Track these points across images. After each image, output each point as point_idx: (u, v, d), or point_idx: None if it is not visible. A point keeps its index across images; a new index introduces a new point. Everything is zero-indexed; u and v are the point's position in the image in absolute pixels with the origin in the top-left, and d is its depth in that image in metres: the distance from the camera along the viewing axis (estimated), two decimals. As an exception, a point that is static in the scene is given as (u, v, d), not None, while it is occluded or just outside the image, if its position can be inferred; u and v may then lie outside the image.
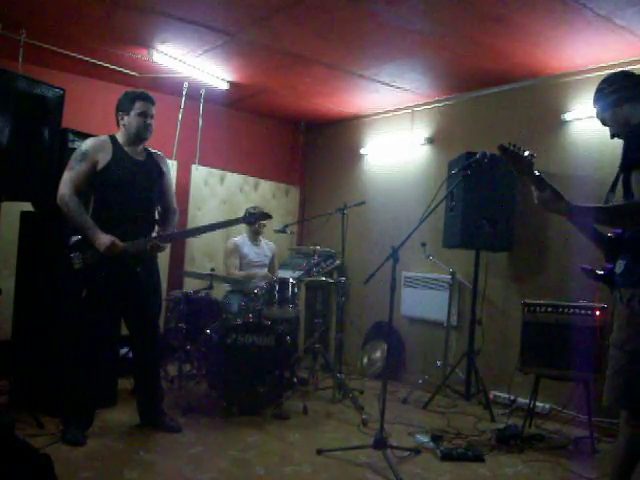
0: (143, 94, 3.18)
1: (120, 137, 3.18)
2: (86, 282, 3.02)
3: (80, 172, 3.01)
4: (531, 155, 2.18)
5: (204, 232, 3.53)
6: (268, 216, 3.45)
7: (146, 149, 3.28)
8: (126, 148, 3.16)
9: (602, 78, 2.30)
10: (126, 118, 3.14)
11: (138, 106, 3.12)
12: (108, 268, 2.99)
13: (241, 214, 5.10)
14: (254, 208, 3.51)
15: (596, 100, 2.30)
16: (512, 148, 2.17)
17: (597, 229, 2.25)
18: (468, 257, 4.55)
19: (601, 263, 2.31)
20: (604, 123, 2.30)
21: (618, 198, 2.17)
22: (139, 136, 3.16)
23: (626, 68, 3.91)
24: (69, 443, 2.90)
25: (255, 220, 3.47)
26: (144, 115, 3.13)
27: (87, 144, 3.08)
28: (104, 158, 3.05)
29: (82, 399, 3.08)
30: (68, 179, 3.00)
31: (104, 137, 3.16)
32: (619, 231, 2.20)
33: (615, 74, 2.29)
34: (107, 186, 3.06)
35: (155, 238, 3.15)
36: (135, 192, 3.11)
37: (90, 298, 3.02)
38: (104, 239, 2.94)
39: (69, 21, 3.93)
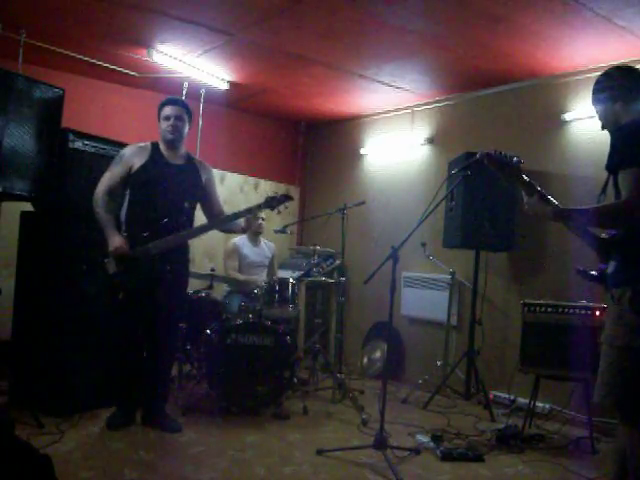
0: (169, 98, 3.35)
1: (160, 143, 3.32)
2: (122, 285, 3.16)
3: (115, 174, 3.19)
4: (518, 160, 2.24)
5: (225, 222, 3.36)
6: (289, 197, 3.29)
7: (189, 155, 3.38)
8: (165, 153, 3.28)
9: (604, 71, 2.27)
10: (159, 125, 3.30)
11: (164, 110, 3.29)
12: (136, 270, 3.11)
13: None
14: (275, 192, 3.34)
15: (592, 92, 2.29)
16: (498, 155, 2.25)
17: (590, 231, 2.24)
18: (468, 257, 4.55)
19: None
20: (598, 115, 2.29)
21: (610, 199, 2.14)
22: (165, 139, 3.28)
23: (626, 68, 3.92)
24: (106, 422, 3.20)
25: (277, 204, 3.24)
26: (167, 118, 3.25)
27: (126, 149, 3.28)
28: (139, 161, 3.21)
29: (125, 389, 3.28)
30: (104, 179, 3.19)
31: (146, 143, 3.32)
32: (612, 232, 2.19)
33: (616, 69, 2.26)
34: (138, 187, 3.19)
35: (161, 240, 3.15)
36: (164, 193, 3.17)
37: (125, 300, 3.17)
38: (114, 240, 3.09)
39: (69, 21, 3.93)
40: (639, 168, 1.96)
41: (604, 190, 2.22)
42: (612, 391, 2.03)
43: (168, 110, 3.26)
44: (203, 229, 3.32)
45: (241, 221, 3.36)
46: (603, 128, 2.27)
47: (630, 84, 2.19)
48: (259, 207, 3.23)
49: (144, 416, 3.32)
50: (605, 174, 2.18)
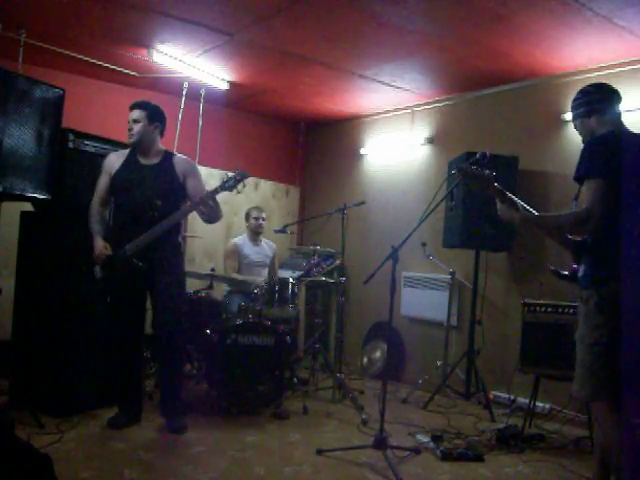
0: (129, 105, 3.36)
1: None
2: (109, 289, 3.28)
3: (101, 183, 3.33)
4: (490, 173, 2.49)
5: (183, 215, 3.31)
6: (245, 175, 3.19)
7: (166, 153, 3.38)
8: (139, 155, 3.34)
9: (580, 88, 2.49)
10: None
11: None
12: (118, 273, 3.18)
13: (241, 214, 5.18)
14: (234, 170, 3.20)
15: (571, 108, 2.52)
16: (471, 169, 2.53)
17: (564, 234, 2.43)
18: (468, 257, 4.55)
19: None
20: (576, 129, 2.52)
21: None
22: (128, 143, 3.34)
23: (626, 68, 3.94)
24: (108, 422, 3.25)
25: (235, 184, 3.17)
26: (128, 125, 3.31)
27: (106, 158, 3.38)
28: (115, 167, 3.31)
29: (125, 390, 3.35)
30: (95, 191, 3.32)
31: (125, 150, 3.40)
32: (584, 236, 2.36)
33: (590, 86, 2.48)
34: (116, 191, 3.31)
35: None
36: (135, 193, 3.22)
37: (113, 303, 3.29)
38: (96, 246, 3.20)
39: (69, 21, 3.92)
40: (600, 179, 2.17)
41: (577, 197, 2.38)
42: (585, 385, 2.24)
43: (128, 117, 3.31)
44: (168, 222, 3.18)
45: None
46: (583, 142, 2.43)
47: (604, 99, 2.40)
48: (215, 191, 3.16)
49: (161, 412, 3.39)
50: None
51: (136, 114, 3.29)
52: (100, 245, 3.19)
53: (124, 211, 3.28)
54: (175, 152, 3.50)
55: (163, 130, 3.43)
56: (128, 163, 3.32)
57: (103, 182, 3.32)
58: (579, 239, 2.37)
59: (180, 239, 3.45)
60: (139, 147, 3.32)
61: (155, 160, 3.34)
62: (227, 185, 3.16)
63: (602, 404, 2.21)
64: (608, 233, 2.19)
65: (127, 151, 3.38)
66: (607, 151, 2.21)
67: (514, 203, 2.43)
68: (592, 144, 2.28)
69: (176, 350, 3.36)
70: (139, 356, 3.53)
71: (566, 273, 2.51)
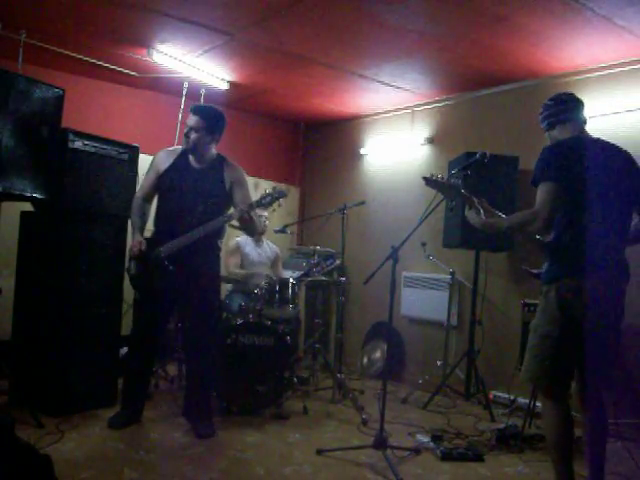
0: (191, 107, 3.31)
1: None
2: (138, 286, 3.30)
3: (148, 179, 3.35)
4: (456, 181, 2.74)
5: (216, 226, 3.22)
6: (283, 194, 3.22)
7: (218, 158, 3.35)
8: (190, 157, 3.32)
9: (544, 102, 2.63)
10: None
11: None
12: (150, 273, 3.19)
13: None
14: (273, 188, 3.19)
15: (539, 120, 2.66)
16: (436, 178, 2.75)
17: (535, 236, 2.59)
18: (468, 257, 4.55)
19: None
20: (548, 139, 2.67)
21: None
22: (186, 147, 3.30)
23: (626, 68, 3.95)
24: (108, 422, 3.23)
25: (271, 201, 3.18)
26: (185, 127, 3.27)
27: (156, 155, 3.37)
28: (164, 166, 3.30)
29: (131, 389, 3.35)
30: (141, 185, 3.39)
31: (177, 147, 3.40)
32: (550, 237, 2.54)
33: (555, 97, 2.61)
34: (161, 191, 3.31)
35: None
36: (179, 196, 3.21)
37: (143, 300, 3.35)
38: (133, 240, 3.22)
39: (69, 21, 3.93)
40: (549, 182, 2.34)
41: None
42: (529, 369, 2.48)
43: (187, 119, 3.28)
44: (205, 229, 3.16)
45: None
46: None
47: (562, 111, 2.55)
48: (251, 206, 3.15)
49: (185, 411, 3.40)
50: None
51: (194, 121, 3.22)
52: (136, 240, 3.19)
53: (165, 212, 3.27)
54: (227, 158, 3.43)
55: (220, 139, 3.37)
56: (177, 164, 3.29)
57: (149, 179, 3.32)
58: (547, 240, 2.54)
59: (220, 243, 3.41)
60: (192, 152, 3.30)
61: (205, 164, 3.31)
62: (264, 202, 3.18)
63: (543, 392, 2.46)
64: (566, 234, 2.39)
65: (178, 150, 3.35)
66: (560, 156, 2.37)
67: (478, 209, 2.65)
68: (546, 150, 2.45)
69: (209, 355, 3.33)
70: (154, 356, 3.52)
71: (536, 272, 2.76)
